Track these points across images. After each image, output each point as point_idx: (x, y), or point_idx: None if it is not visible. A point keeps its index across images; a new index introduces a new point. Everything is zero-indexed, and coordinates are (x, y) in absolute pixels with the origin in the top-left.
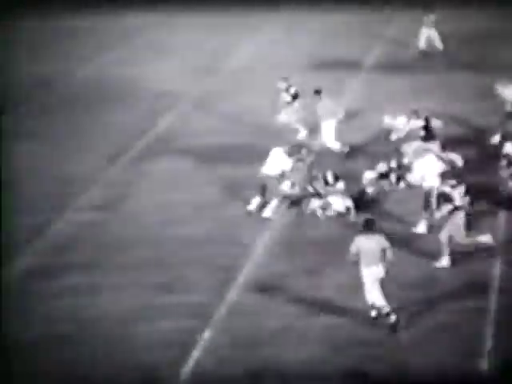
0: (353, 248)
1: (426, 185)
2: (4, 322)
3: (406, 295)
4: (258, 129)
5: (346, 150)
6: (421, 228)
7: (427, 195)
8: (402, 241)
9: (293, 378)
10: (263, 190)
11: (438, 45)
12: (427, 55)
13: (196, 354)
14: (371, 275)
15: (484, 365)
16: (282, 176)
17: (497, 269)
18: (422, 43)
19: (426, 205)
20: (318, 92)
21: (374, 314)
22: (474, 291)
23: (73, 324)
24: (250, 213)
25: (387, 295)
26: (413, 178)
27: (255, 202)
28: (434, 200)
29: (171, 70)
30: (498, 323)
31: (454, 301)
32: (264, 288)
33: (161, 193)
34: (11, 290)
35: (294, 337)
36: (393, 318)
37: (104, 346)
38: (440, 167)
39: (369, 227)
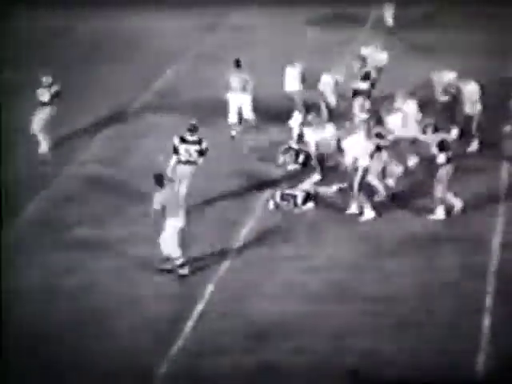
0: (156, 205)
1: (358, 164)
2: (8, 272)
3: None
4: (260, 84)
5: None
6: (368, 213)
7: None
8: None
9: (295, 332)
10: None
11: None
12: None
13: (199, 307)
14: (173, 226)
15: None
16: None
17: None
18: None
19: (360, 186)
20: (238, 63)
21: (168, 266)
22: (474, 250)
23: (76, 276)
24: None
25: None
26: (345, 157)
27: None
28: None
29: (172, 26)
30: (497, 291)
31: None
32: (265, 243)
33: (164, 147)
34: (16, 242)
35: (296, 291)
36: (185, 269)
37: (110, 297)
38: (370, 146)
39: (160, 183)
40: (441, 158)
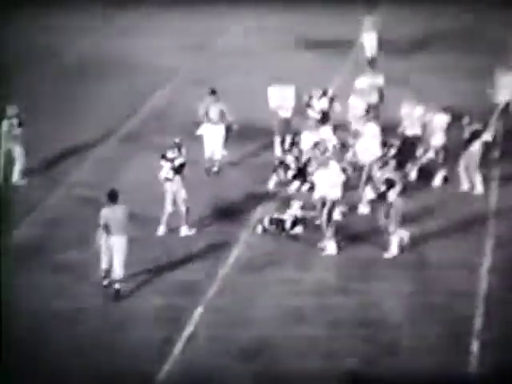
0: (102, 221)
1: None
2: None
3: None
4: (252, 106)
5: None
6: (331, 248)
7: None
8: None
9: (285, 356)
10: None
11: (375, 50)
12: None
13: (188, 330)
14: (122, 242)
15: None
16: None
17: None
18: (367, 51)
19: (328, 219)
20: (213, 92)
21: (106, 282)
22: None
23: (65, 299)
24: None
25: None
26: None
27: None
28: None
29: (165, 45)
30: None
31: (443, 283)
32: (256, 266)
33: (153, 170)
34: (4, 264)
35: (286, 315)
36: (117, 286)
37: (96, 321)
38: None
39: (113, 199)
40: (390, 195)
